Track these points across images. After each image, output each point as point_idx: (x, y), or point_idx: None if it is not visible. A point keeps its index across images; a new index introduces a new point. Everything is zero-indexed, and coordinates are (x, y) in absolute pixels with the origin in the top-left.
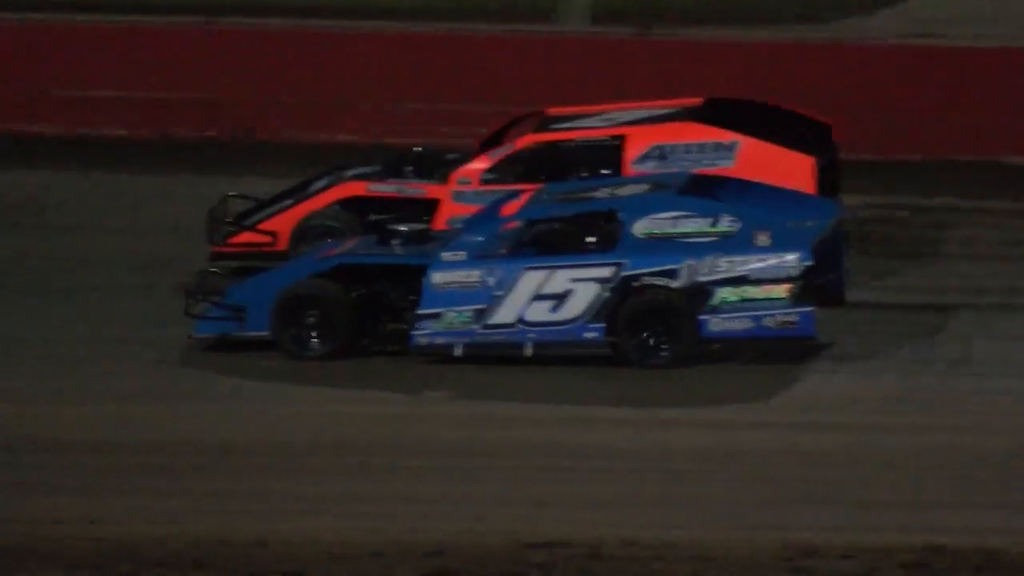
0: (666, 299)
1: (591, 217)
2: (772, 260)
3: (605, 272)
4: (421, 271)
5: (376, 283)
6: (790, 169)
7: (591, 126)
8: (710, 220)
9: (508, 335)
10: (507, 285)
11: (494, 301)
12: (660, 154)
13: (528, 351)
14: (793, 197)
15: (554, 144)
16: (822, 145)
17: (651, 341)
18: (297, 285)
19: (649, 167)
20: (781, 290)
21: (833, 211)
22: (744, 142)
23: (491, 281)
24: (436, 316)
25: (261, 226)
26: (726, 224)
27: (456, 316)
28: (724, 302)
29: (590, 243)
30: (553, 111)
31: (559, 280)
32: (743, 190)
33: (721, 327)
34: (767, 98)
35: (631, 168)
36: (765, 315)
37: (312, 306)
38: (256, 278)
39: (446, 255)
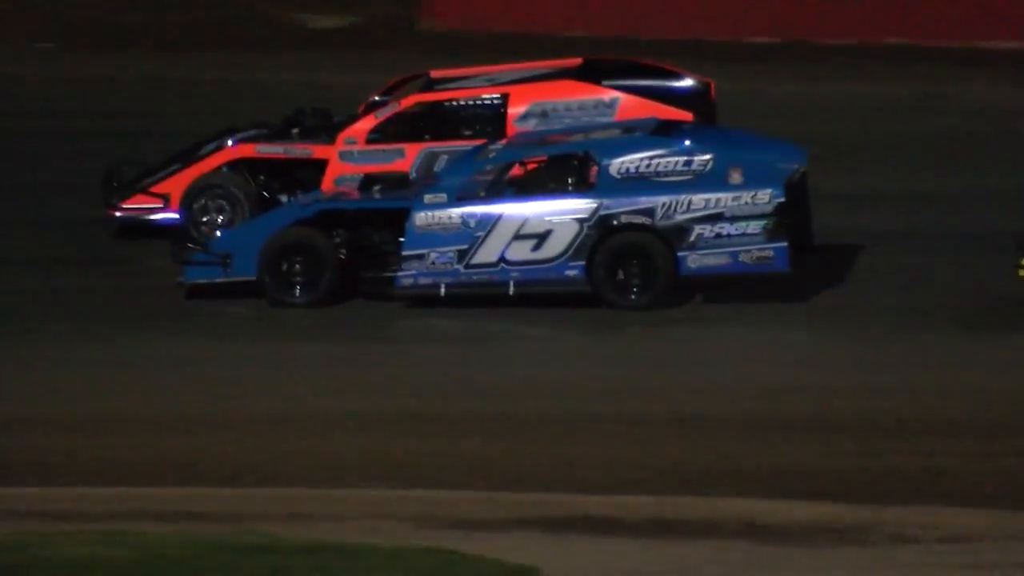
0: (643, 237)
1: (567, 159)
2: (746, 197)
3: (584, 211)
4: (404, 214)
5: (358, 228)
6: None
7: (473, 86)
8: (684, 159)
9: (490, 274)
10: (488, 225)
11: (476, 241)
12: (542, 111)
13: (511, 290)
14: (759, 141)
15: (438, 103)
16: (700, 102)
17: (628, 280)
18: (283, 232)
19: (531, 125)
20: (755, 226)
21: (798, 156)
22: (624, 99)
23: (472, 222)
24: (420, 257)
25: (153, 189)
26: (699, 163)
27: (439, 257)
28: (700, 239)
29: (568, 184)
30: (437, 72)
31: (539, 220)
32: (710, 133)
33: (699, 263)
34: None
35: (513, 126)
36: (741, 251)
37: (298, 253)
38: (242, 226)
39: (428, 197)
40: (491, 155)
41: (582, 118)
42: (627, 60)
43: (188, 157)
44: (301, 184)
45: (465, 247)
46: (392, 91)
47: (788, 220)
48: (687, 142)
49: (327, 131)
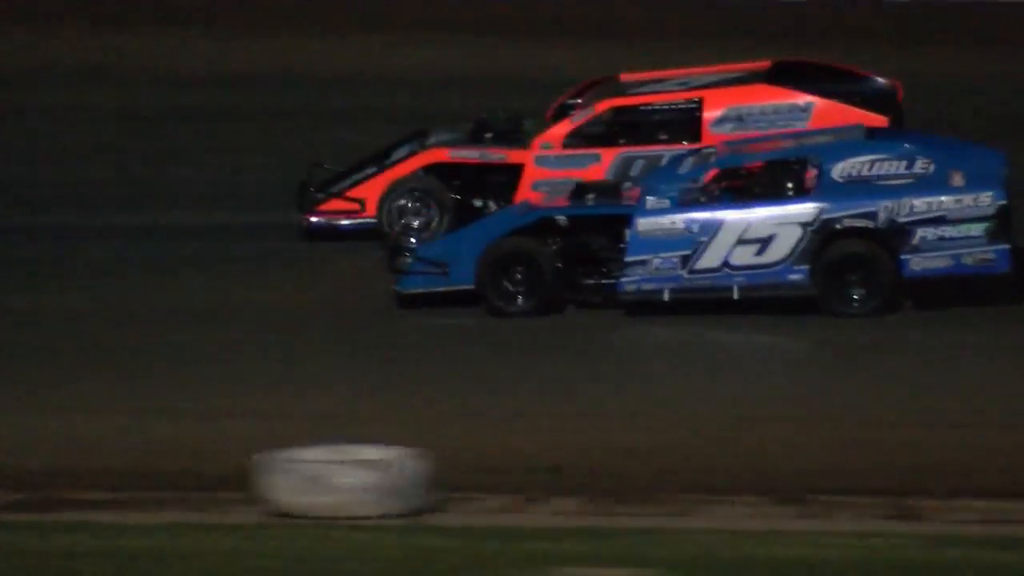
0: (866, 244)
1: (788, 164)
2: (967, 199)
3: (807, 215)
4: (625, 221)
5: (575, 236)
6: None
7: (667, 89)
8: (905, 162)
9: (714, 279)
10: (711, 231)
11: (699, 246)
12: (737, 116)
13: (735, 294)
14: (960, 144)
15: (633, 108)
16: (888, 105)
17: (851, 287)
18: (503, 241)
19: (727, 130)
20: (977, 228)
21: (999, 158)
22: (819, 103)
23: (695, 227)
24: (643, 263)
25: (348, 193)
26: (920, 166)
27: (662, 262)
28: (923, 241)
29: (788, 188)
30: (626, 76)
31: (762, 224)
32: (921, 138)
33: (922, 266)
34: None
35: (708, 130)
36: (963, 253)
37: (518, 262)
38: (458, 233)
39: (651, 202)
40: (710, 159)
41: (777, 122)
42: (817, 62)
43: (381, 161)
44: (496, 189)
45: (688, 252)
46: (581, 94)
47: (1010, 222)
48: (907, 145)
49: (517, 135)
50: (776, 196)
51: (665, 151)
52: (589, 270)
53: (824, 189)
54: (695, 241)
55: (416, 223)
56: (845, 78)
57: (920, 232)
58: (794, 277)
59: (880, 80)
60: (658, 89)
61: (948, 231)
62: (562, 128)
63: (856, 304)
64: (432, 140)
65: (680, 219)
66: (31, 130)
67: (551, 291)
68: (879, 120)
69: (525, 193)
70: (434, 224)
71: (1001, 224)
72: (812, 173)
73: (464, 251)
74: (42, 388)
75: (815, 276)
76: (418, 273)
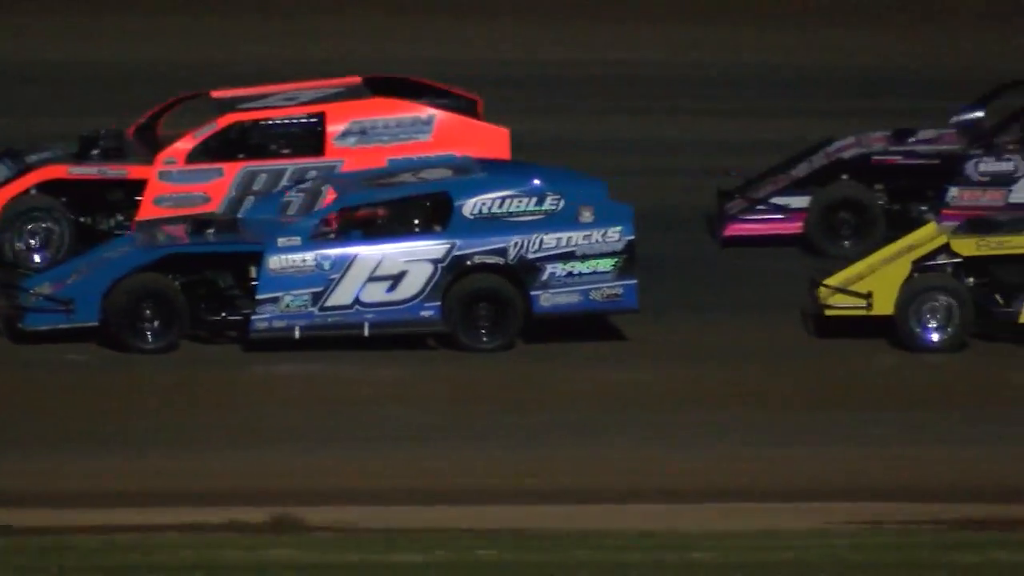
0: (497, 279)
1: (418, 199)
2: (596, 235)
3: (438, 252)
4: (253, 257)
5: (201, 272)
6: (488, 140)
7: (282, 104)
8: (536, 199)
9: (345, 316)
10: (342, 267)
11: (330, 283)
12: (361, 129)
13: (366, 331)
14: (563, 173)
15: (255, 122)
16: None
17: (481, 322)
18: (132, 279)
19: (350, 143)
20: (606, 263)
21: (603, 188)
22: (441, 115)
23: (327, 264)
24: (274, 300)
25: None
26: (550, 202)
27: (293, 300)
28: (552, 277)
29: (419, 224)
30: (217, 93)
31: (393, 261)
32: (540, 171)
33: (551, 302)
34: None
35: (332, 144)
36: (592, 288)
37: (148, 299)
38: (77, 267)
39: (281, 240)
40: (322, 193)
41: (400, 135)
42: (404, 77)
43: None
44: (115, 205)
45: (320, 289)
46: (166, 111)
47: (636, 257)
48: (536, 181)
49: (123, 151)
50: (409, 232)
51: (288, 165)
52: (215, 307)
53: (455, 225)
54: (326, 278)
55: (35, 244)
56: (433, 92)
57: (550, 268)
58: (426, 313)
59: (463, 95)
60: (272, 104)
61: (578, 267)
62: (186, 143)
63: (486, 340)
64: (35, 158)
65: (311, 256)
66: None
67: (184, 328)
68: (499, 132)
69: (147, 209)
70: (55, 247)
71: (629, 259)
72: (447, 210)
73: (91, 288)
74: None
75: (446, 312)
76: (42, 311)
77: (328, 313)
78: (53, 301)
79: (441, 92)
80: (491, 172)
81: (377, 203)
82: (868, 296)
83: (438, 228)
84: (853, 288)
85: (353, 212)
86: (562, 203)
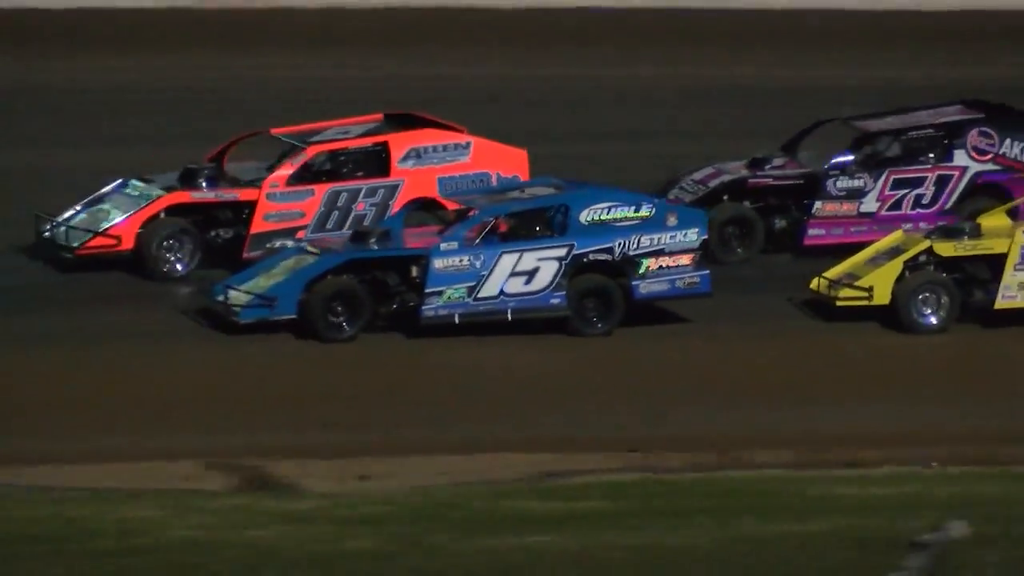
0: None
1: (543, 211)
2: (679, 236)
3: (562, 251)
4: (414, 259)
5: (373, 273)
6: (512, 160)
7: (349, 136)
8: (634, 207)
9: (494, 305)
10: (490, 266)
11: (481, 279)
12: (416, 154)
13: (509, 316)
14: (618, 191)
15: (336, 152)
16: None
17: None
18: (322, 281)
19: (409, 165)
20: (686, 258)
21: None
22: (475, 141)
23: (478, 263)
24: (439, 293)
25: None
26: (645, 210)
27: (454, 292)
28: (648, 270)
29: (544, 230)
30: (275, 130)
31: (528, 260)
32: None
33: (648, 289)
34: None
35: (396, 166)
36: (677, 278)
37: (337, 297)
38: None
39: (444, 245)
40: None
41: (447, 157)
42: (413, 113)
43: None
44: (226, 223)
45: (473, 284)
46: (229, 148)
47: (708, 253)
48: (635, 193)
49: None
50: (537, 236)
51: (363, 184)
52: (387, 301)
53: (573, 230)
54: (478, 274)
55: (172, 257)
56: (431, 124)
57: (645, 262)
58: (555, 301)
59: (452, 125)
60: (338, 136)
61: (666, 261)
62: (285, 170)
63: (599, 324)
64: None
65: (467, 257)
66: None
67: (366, 320)
68: (520, 153)
69: (259, 223)
70: (189, 257)
71: (703, 254)
72: (565, 218)
73: (289, 288)
74: None
75: (570, 300)
76: (253, 307)
77: (480, 303)
78: (262, 299)
79: (435, 124)
80: (585, 188)
81: (513, 214)
82: (869, 290)
83: (558, 233)
84: (857, 284)
85: (492, 223)
86: (654, 211)
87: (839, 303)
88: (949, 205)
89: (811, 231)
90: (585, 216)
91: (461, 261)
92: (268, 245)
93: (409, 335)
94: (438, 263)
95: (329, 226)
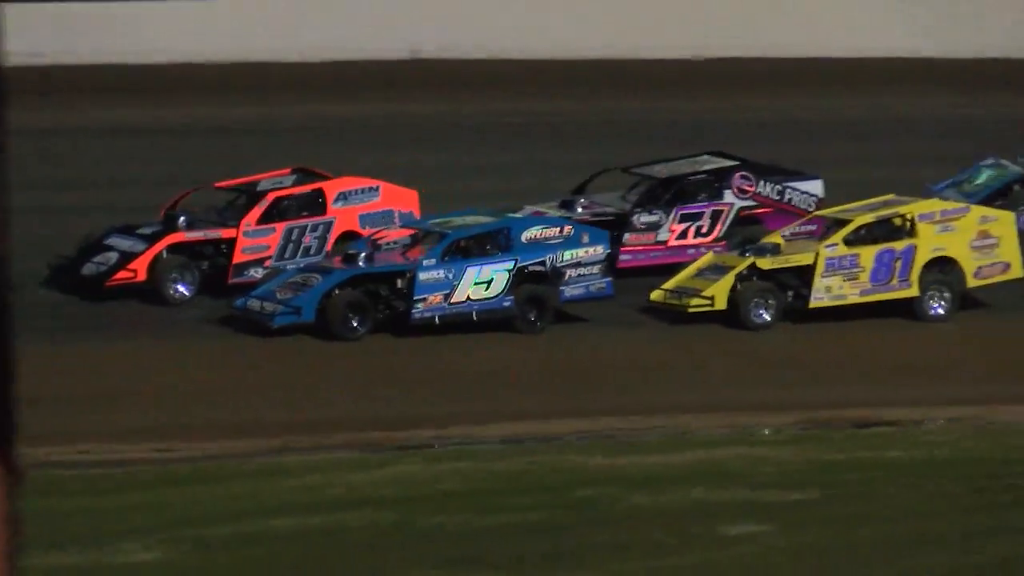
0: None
1: (496, 232)
2: (591, 250)
3: (510, 264)
4: (401, 273)
5: (367, 284)
6: (406, 199)
7: (286, 185)
8: (559, 229)
9: (462, 308)
10: (459, 277)
11: (453, 288)
12: (343, 196)
13: (475, 317)
14: (542, 218)
15: (287, 196)
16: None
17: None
18: (336, 293)
19: (340, 205)
20: (597, 268)
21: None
22: (383, 185)
23: (450, 275)
24: (423, 300)
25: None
26: (567, 231)
27: (434, 299)
28: (569, 278)
29: (488, 249)
30: (218, 184)
31: (486, 271)
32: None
33: (570, 294)
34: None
35: (332, 206)
36: (590, 284)
37: (350, 305)
38: (311, 289)
39: (426, 262)
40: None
41: (364, 198)
42: (305, 168)
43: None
44: (209, 256)
45: (448, 291)
46: (180, 200)
47: (612, 263)
48: (560, 217)
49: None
50: (490, 253)
51: (308, 222)
52: (381, 307)
53: (516, 248)
54: (451, 284)
55: (178, 286)
56: (319, 177)
57: (568, 272)
58: (506, 304)
59: (324, 174)
60: (280, 185)
61: (582, 271)
62: (256, 212)
63: (537, 324)
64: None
65: (442, 271)
66: None
67: (371, 322)
68: (411, 193)
69: (238, 255)
70: (191, 283)
71: (608, 265)
72: (507, 237)
73: (309, 299)
74: None
75: (516, 303)
76: (284, 313)
77: (453, 307)
78: (290, 307)
79: (321, 176)
80: (511, 217)
81: (472, 237)
82: (712, 299)
83: (504, 250)
84: (703, 294)
85: (457, 243)
86: (572, 231)
87: (691, 310)
88: (721, 234)
89: (623, 256)
90: (525, 236)
91: (439, 274)
92: (245, 273)
93: (397, 334)
94: (422, 276)
95: (287, 256)
